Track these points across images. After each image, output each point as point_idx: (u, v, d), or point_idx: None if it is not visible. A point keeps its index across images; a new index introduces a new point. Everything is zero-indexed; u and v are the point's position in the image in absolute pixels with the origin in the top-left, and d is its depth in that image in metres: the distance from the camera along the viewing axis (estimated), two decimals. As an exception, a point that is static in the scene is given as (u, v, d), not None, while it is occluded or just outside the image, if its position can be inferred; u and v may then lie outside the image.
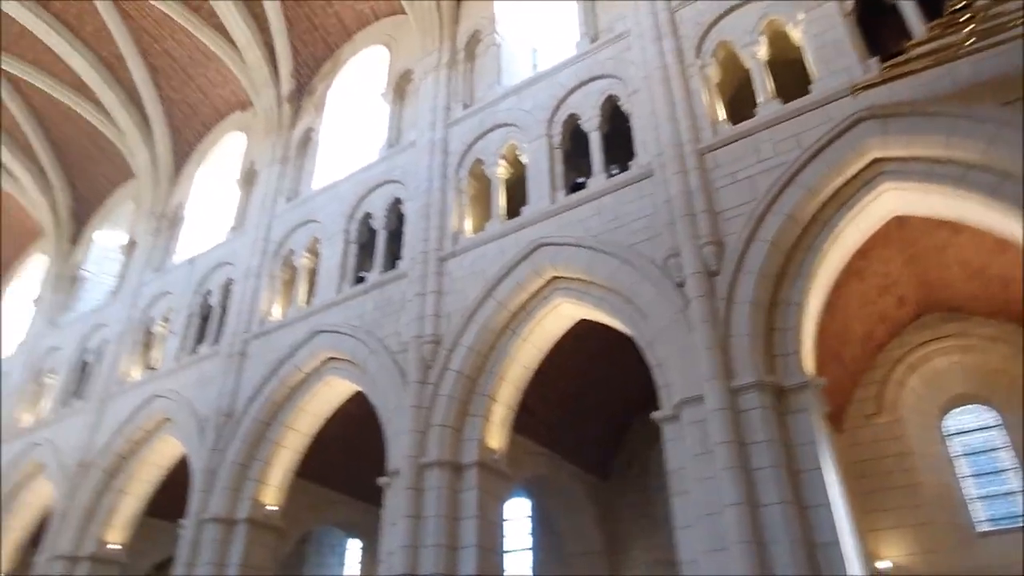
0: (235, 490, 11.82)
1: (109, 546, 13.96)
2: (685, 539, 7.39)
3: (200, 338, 14.77)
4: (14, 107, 19.26)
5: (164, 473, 14.39)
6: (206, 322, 14.92)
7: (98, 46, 17.80)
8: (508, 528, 15.10)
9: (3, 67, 18.27)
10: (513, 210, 11.26)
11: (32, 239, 22.13)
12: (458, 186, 12.14)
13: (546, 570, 14.12)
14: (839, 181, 8.31)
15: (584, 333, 10.75)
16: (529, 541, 14.85)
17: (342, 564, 17.98)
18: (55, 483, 14.99)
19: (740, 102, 10.39)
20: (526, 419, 11.68)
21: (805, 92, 9.09)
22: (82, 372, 16.96)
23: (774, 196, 8.43)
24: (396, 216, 12.97)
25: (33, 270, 21.77)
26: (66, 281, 19.72)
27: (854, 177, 8.30)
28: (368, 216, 13.33)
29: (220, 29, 16.62)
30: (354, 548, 17.76)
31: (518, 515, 15.37)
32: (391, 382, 10.69)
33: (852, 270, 9.47)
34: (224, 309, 14.54)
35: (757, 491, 7.00)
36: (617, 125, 11.07)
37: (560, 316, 10.37)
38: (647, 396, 9.26)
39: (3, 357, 19.59)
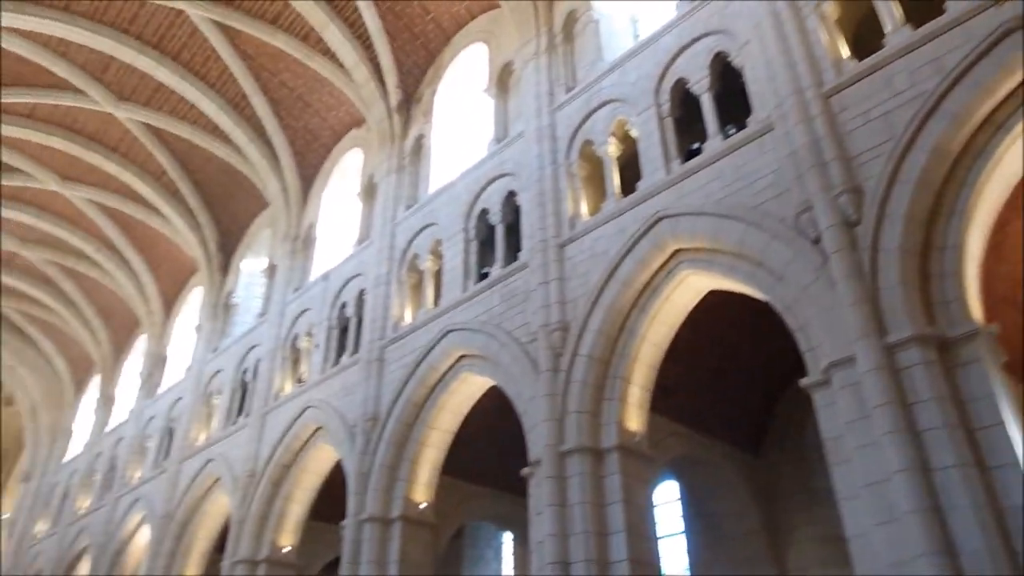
0: (387, 490, 12.24)
1: (283, 550, 14.91)
2: (851, 511, 6.84)
3: (341, 349, 15.44)
4: (161, 157, 20.95)
5: (323, 479, 15.16)
6: (345, 333, 15.57)
7: (224, 89, 19.02)
8: (659, 513, 14.73)
9: (148, 121, 19.96)
10: (628, 187, 10.93)
11: (189, 274, 24.06)
12: (569, 170, 11.95)
13: (703, 554, 13.64)
14: (990, 104, 7.41)
15: (716, 304, 10.27)
16: (681, 525, 14.41)
17: (498, 558, 18.27)
18: (229, 494, 16.19)
19: (863, 38, 9.55)
20: (665, 399, 11.32)
21: (939, 13, 8.19)
22: (242, 390, 18.21)
23: (915, 130, 7.64)
24: (512, 209, 12.97)
25: (193, 302, 23.67)
26: (220, 309, 21.28)
27: (1009, 96, 7.37)
28: (485, 212, 13.41)
29: (328, 54, 17.31)
30: (508, 542, 17.99)
31: (668, 499, 14.97)
32: (523, 373, 10.68)
33: (1017, 205, 8.44)
34: (360, 319, 15.11)
35: (928, 454, 6.35)
36: (729, 83, 10.50)
37: (688, 289, 9.95)
38: (794, 363, 8.70)
39: (175, 382, 21.43)
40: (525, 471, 9.98)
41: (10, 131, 20.07)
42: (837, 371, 7.27)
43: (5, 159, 21.05)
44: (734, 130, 9.99)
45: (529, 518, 9.63)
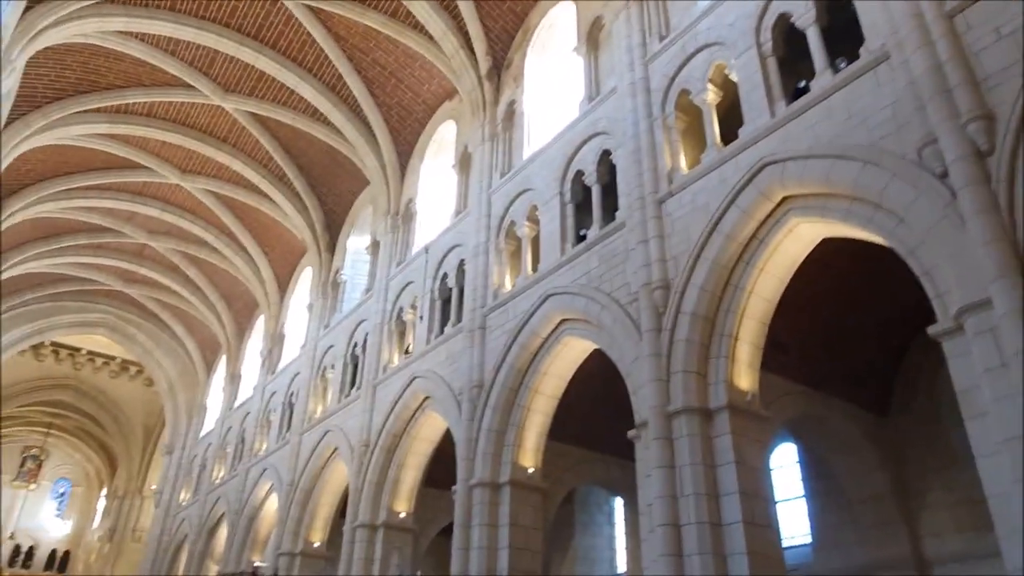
0: (495, 456, 12.35)
1: (400, 515, 15.41)
2: (989, 470, 6.25)
3: (444, 319, 15.64)
4: (267, 144, 21.80)
5: (434, 446, 15.51)
6: (447, 304, 15.75)
7: (320, 72, 19.49)
8: (778, 476, 14.18)
9: (253, 110, 20.79)
10: (729, 136, 10.37)
11: (300, 255, 25.07)
12: (666, 123, 11.46)
13: (827, 519, 13.02)
14: None
15: (831, 253, 9.63)
16: (802, 489, 13.80)
17: (610, 523, 18.20)
18: (347, 463, 16.87)
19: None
20: (779, 356, 10.80)
21: (1083, -93, 7.19)
22: (354, 364, 18.87)
23: (1056, 43, 6.78)
24: (607, 168, 12.62)
25: (304, 282, 24.67)
26: (329, 287, 22.07)
27: None
28: (580, 174, 13.13)
29: (417, 27, 17.37)
30: (619, 507, 17.86)
31: (787, 462, 14.38)
32: (626, 334, 10.43)
33: None
34: (461, 288, 15.24)
35: (1082, 402, 5.68)
36: (836, 15, 9.70)
37: (798, 239, 9.37)
38: (920, 312, 8.02)
39: (292, 359, 22.49)
40: (631, 434, 9.78)
41: (133, 130, 21.39)
42: (970, 316, 6.63)
43: (131, 157, 22.48)
44: (844, 63, 9.23)
45: (638, 481, 9.44)
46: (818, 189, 8.76)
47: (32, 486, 39.94)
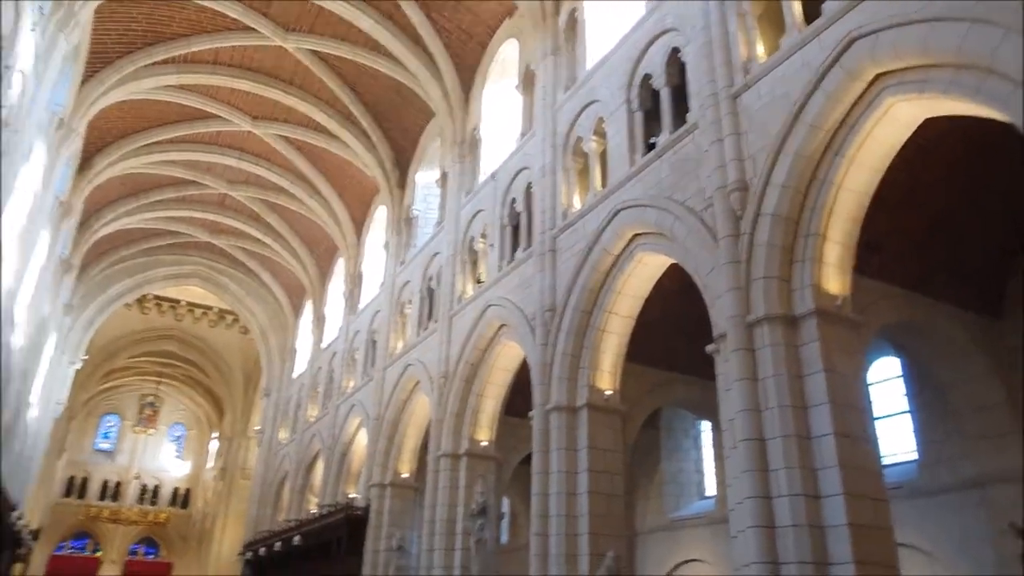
0: (571, 379, 11.99)
1: (482, 443, 15.41)
2: None
3: (515, 245, 15.23)
4: (331, 83, 21.57)
5: (512, 374, 15.32)
6: (517, 229, 15.30)
7: (377, 1, 18.95)
8: (880, 391, 13.25)
9: (315, 48, 20.54)
10: (812, 14, 9.26)
11: (373, 195, 25.05)
12: (739, 9, 10.35)
13: (932, 433, 12.07)
14: None
15: (934, 137, 8.57)
16: (905, 403, 12.84)
17: (697, 447, 17.71)
18: (428, 395, 16.94)
19: None
20: (874, 257, 9.82)
21: None
22: (430, 298, 18.80)
23: None
24: (676, 68, 11.65)
25: (379, 220, 24.71)
26: (403, 223, 21.97)
27: None
28: (647, 78, 12.22)
29: (471, -59, 16.51)
30: (707, 430, 17.32)
31: (890, 375, 13.39)
32: (701, 243, 9.71)
33: None
34: (529, 212, 14.74)
35: None
36: None
37: (894, 122, 8.32)
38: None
39: (372, 297, 22.71)
40: (710, 348, 9.17)
41: (201, 79, 21.59)
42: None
43: (202, 107, 22.78)
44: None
45: (718, 397, 8.88)
46: (916, 60, 7.69)
47: (151, 431, 42.84)
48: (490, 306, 15.07)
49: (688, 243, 10.04)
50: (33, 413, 25.76)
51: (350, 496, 20.62)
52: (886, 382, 13.43)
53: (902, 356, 12.77)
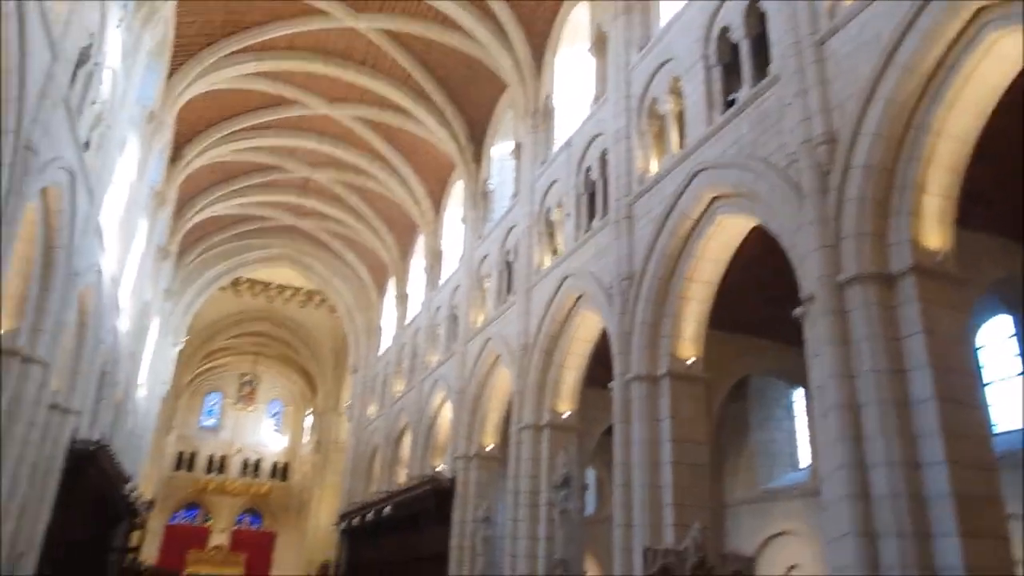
0: (651, 348, 11.71)
1: (563, 415, 15.33)
2: None
3: (591, 214, 14.93)
4: (403, 60, 21.65)
5: (592, 345, 15.11)
6: (593, 198, 14.99)
7: (443, -28, 18.84)
8: (990, 353, 12.36)
9: (385, 27, 20.63)
10: (903, -52, 8.53)
11: (449, 171, 25.14)
12: (822, -50, 9.69)
13: (1050, 398, 11.18)
14: None
15: (1046, 72, 7.74)
16: (1021, 365, 11.92)
17: (790, 417, 17.07)
18: (509, 367, 16.97)
19: None
20: (980, 209, 9.12)
21: None
22: (508, 271, 18.76)
23: None
24: (756, 17, 11.02)
25: (456, 196, 24.80)
26: (479, 197, 21.97)
27: None
28: (725, 31, 11.64)
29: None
30: (799, 399, 16.67)
31: (1001, 336, 12.45)
32: (786, 202, 9.20)
33: None
34: (604, 179, 14.40)
35: None
36: None
37: (1000, 59, 7.62)
38: None
39: (452, 272, 22.88)
40: (797, 311, 8.71)
41: (278, 65, 22.06)
42: None
43: (281, 92, 23.33)
44: None
45: (807, 362, 8.44)
46: (1024, -13, 6.96)
47: (251, 408, 44.92)
48: (567, 277, 14.89)
49: (771, 202, 9.56)
50: (142, 393, 27.39)
51: (437, 468, 21.00)
52: (997, 343, 12.51)
53: (1015, 315, 11.84)
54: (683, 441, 10.94)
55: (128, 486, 22.58)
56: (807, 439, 16.13)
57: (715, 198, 11.08)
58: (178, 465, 42.41)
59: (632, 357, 11.87)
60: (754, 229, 10.85)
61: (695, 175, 11.25)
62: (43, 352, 12.60)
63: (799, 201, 8.87)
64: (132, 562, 25.30)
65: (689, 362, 11.49)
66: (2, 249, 9.34)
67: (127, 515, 24.23)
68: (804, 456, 16.40)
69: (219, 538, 41.13)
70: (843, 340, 7.75)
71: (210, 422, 45.04)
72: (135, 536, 25.98)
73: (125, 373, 22.76)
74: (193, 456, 43.16)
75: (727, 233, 11.29)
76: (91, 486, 17.70)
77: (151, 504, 28.62)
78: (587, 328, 15.01)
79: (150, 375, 28.42)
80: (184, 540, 39.07)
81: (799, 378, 14.57)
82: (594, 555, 18.50)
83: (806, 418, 16.11)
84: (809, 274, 8.49)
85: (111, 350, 19.36)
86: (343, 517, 28.20)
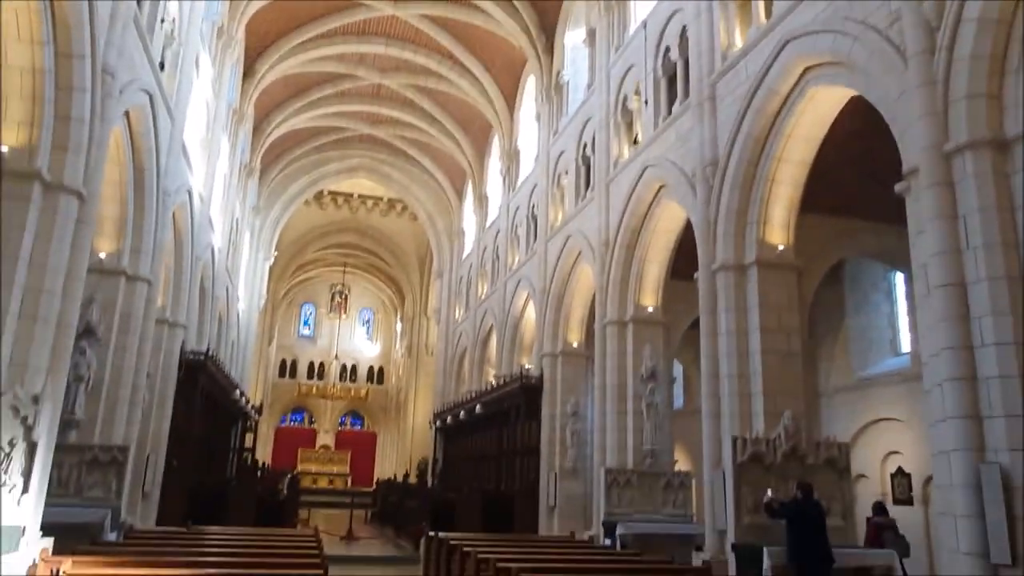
0: (738, 236, 11.27)
1: (648, 309, 15.17)
2: None
3: (671, 98, 14.20)
4: (467, -51, 20.74)
5: (676, 237, 14.70)
6: (672, 81, 14.22)
7: None
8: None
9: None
10: None
11: (521, 66, 24.34)
12: None
13: None
14: None
15: None
16: None
17: (889, 301, 16.30)
18: (590, 264, 16.80)
19: None
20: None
21: None
22: (585, 166, 18.29)
23: None
24: None
25: (530, 92, 24.07)
26: (553, 91, 21.25)
27: None
28: None
29: None
30: (899, 282, 15.85)
31: None
32: (886, 67, 8.40)
33: None
34: (685, 59, 13.57)
35: None
36: None
37: None
38: None
39: (529, 172, 22.52)
40: (899, 186, 8.08)
41: (339, -34, 21.54)
42: None
43: (344, -4, 22.85)
44: None
45: (910, 240, 7.88)
46: None
47: (343, 316, 46.74)
48: (648, 167, 14.37)
49: (870, 68, 8.75)
50: (241, 307, 28.82)
51: (524, 366, 21.41)
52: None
53: None
54: (773, 330, 10.65)
55: (237, 392, 24.14)
56: (907, 323, 15.43)
57: (806, 69, 10.27)
58: (281, 372, 45.01)
59: (718, 246, 11.47)
60: (850, 101, 10.07)
61: (784, 45, 10.41)
62: (145, 271, 13.27)
63: (902, 65, 8.07)
64: (248, 460, 27.40)
65: (779, 249, 11.02)
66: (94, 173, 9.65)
67: (240, 418, 26.06)
68: (905, 342, 15.74)
69: (325, 438, 43.90)
70: (950, 214, 7.15)
71: (306, 331, 47.25)
72: (248, 438, 28.00)
73: (224, 288, 23.90)
74: (295, 364, 45.65)
75: (820, 108, 10.52)
76: (204, 392, 18.99)
77: (260, 409, 30.61)
78: (669, 220, 14.57)
79: (247, 289, 29.80)
80: (293, 441, 41.90)
81: (899, 259, 13.85)
82: (683, 446, 18.69)
83: (906, 301, 15.35)
84: (912, 145, 7.80)
85: (208, 266, 20.27)
86: (437, 416, 29.44)
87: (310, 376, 45.63)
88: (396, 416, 43.18)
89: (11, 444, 7.35)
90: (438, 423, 29.07)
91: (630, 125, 16.07)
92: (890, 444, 15.12)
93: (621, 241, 15.28)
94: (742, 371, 10.75)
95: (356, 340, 47.67)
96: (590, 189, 17.48)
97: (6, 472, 7.25)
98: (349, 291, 46.90)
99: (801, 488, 8.90)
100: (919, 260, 7.61)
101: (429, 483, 27.79)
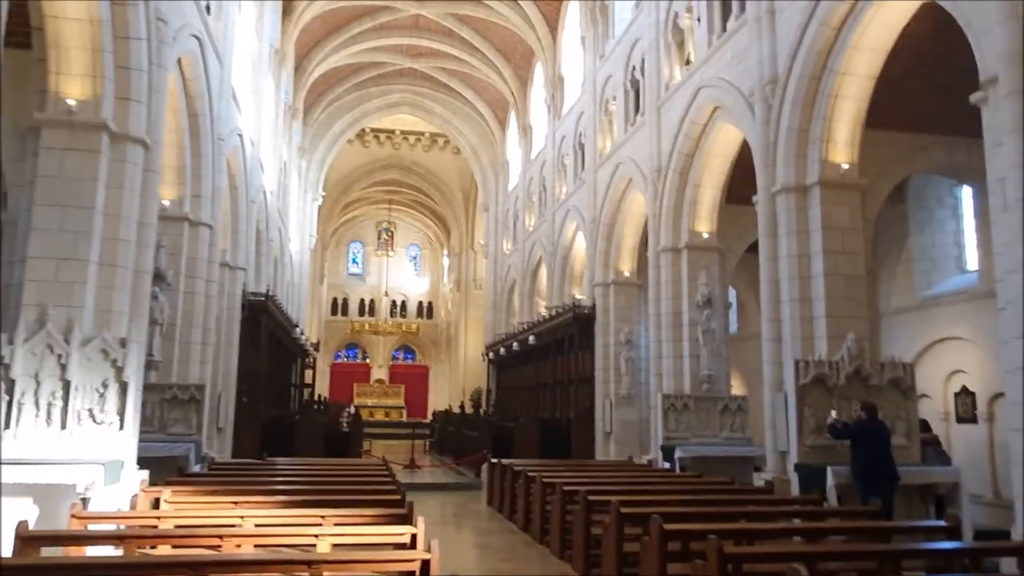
0: (799, 156, 10.95)
1: (703, 235, 14.99)
2: None
3: (726, 14, 13.65)
4: None
5: (731, 161, 14.37)
6: (727, -3, 13.64)
7: None
8: None
9: None
10: None
11: (562, -12, 23.56)
12: None
13: None
14: None
15: None
16: None
17: (955, 217, 15.72)
18: (642, 191, 16.57)
19: None
20: None
21: None
22: (635, 90, 17.83)
23: None
24: None
25: (573, 14, 23.35)
26: (597, 11, 20.59)
27: None
28: None
29: None
30: (967, 197, 15.27)
31: None
32: (964, -33, 7.91)
33: None
34: (740, -28, 12.97)
35: None
36: None
37: None
38: None
39: (575, 100, 22.06)
40: (975, 97, 7.72)
41: None
42: None
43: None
44: None
45: (986, 154, 7.57)
46: None
47: (391, 253, 47.27)
48: (701, 88, 13.95)
49: (945, -30, 8.25)
50: (294, 247, 29.34)
51: (576, 297, 21.48)
52: None
53: None
54: (836, 252, 10.45)
55: (297, 330, 24.85)
56: (975, 240, 14.93)
57: (874, -26, 9.73)
58: (334, 311, 46.04)
59: (778, 168, 11.19)
60: (921, 6, 9.53)
61: (848, -49, 9.86)
62: (206, 216, 13.58)
63: (982, -36, 7.59)
64: (309, 395, 28.41)
65: (843, 168, 10.69)
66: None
67: (299, 356, 26.91)
68: (972, 260, 15.27)
69: (378, 373, 45.11)
70: (1035, 123, 6.84)
71: (355, 270, 48.00)
72: (307, 374, 28.95)
73: (277, 230, 24.32)
74: (346, 302, 46.60)
75: (889, 16, 9.99)
76: (267, 332, 19.61)
77: (317, 346, 31.50)
78: (725, 143, 14.21)
79: (298, 231, 30.26)
80: (348, 376, 43.18)
81: (969, 174, 13.35)
82: (739, 371, 18.69)
83: (975, 218, 14.81)
84: (990, 52, 7.41)
85: (262, 209, 20.60)
86: (489, 348, 29.91)
87: (361, 313, 46.59)
88: (447, 349, 44.01)
89: (104, 385, 7.79)
90: (491, 355, 29.54)
91: (681, 45, 15.55)
92: (953, 363, 14.86)
93: (674, 167, 15.00)
94: (804, 295, 10.63)
95: (404, 276, 48.31)
96: (640, 114, 17.09)
97: (103, 411, 7.71)
98: (395, 228, 47.31)
99: (865, 408, 8.93)
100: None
101: (483, 413, 28.49)
